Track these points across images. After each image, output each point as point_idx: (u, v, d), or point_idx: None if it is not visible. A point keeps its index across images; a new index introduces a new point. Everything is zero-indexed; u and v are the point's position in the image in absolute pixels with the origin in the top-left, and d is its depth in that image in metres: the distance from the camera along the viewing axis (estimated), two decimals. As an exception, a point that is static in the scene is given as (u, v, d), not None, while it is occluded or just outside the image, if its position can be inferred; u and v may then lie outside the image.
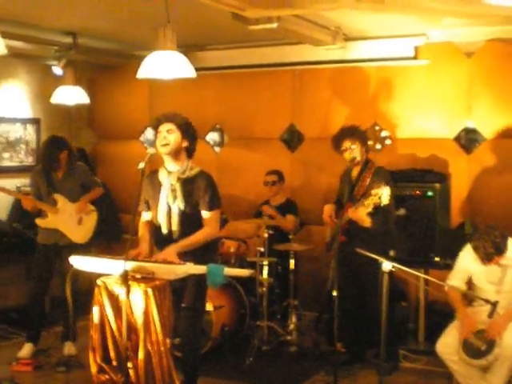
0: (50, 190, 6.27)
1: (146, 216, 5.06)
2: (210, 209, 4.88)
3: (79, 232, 6.41)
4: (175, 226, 4.89)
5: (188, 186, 4.88)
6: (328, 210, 6.13)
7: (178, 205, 4.86)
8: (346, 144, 5.90)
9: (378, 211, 5.56)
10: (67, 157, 6.34)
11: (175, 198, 4.87)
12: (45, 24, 6.47)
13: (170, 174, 4.92)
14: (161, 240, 4.95)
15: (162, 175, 4.96)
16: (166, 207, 4.90)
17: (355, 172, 6.01)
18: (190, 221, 4.89)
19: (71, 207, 6.35)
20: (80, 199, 6.41)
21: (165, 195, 4.90)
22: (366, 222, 5.66)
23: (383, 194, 5.27)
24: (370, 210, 5.45)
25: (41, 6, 5.80)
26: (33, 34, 6.68)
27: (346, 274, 5.85)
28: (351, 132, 5.97)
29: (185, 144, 4.88)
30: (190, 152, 4.96)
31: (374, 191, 5.34)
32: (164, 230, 4.93)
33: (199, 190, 4.86)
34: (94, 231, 6.55)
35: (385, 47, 7.08)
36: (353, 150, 5.89)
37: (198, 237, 4.84)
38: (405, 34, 6.83)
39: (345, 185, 6.12)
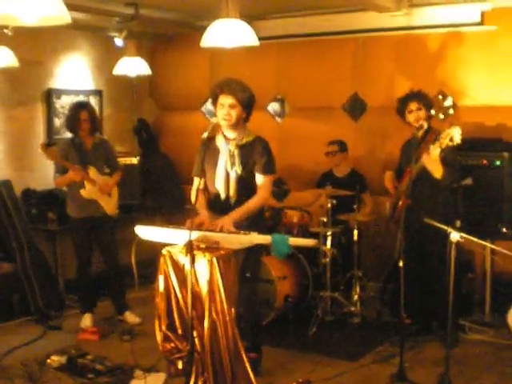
0: (84, 161, 6.27)
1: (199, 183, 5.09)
2: (265, 172, 4.95)
3: (111, 204, 6.44)
4: (232, 192, 4.96)
5: (245, 150, 4.96)
6: (390, 176, 6.06)
7: (236, 170, 4.93)
8: (413, 106, 5.83)
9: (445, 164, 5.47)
10: (88, 120, 6.30)
11: (233, 163, 4.94)
12: (107, -5, 6.48)
13: (229, 140, 4.97)
14: (218, 206, 4.98)
15: (220, 141, 5.01)
16: (224, 173, 4.96)
17: (418, 137, 5.86)
18: (247, 185, 4.95)
19: (101, 179, 6.36)
20: (108, 181, 6.42)
21: (223, 161, 4.96)
22: (438, 169, 5.50)
23: (455, 134, 5.11)
24: (439, 151, 5.30)
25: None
26: (95, 5, 6.67)
27: (410, 241, 5.76)
28: (419, 95, 5.89)
29: (244, 115, 4.96)
30: (246, 119, 5.01)
31: (444, 133, 5.20)
32: (222, 196, 4.98)
33: (256, 153, 4.94)
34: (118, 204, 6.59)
35: (450, 13, 6.87)
36: (419, 113, 5.80)
37: (253, 202, 4.90)
38: (471, 0, 6.61)
39: (406, 152, 5.96)
